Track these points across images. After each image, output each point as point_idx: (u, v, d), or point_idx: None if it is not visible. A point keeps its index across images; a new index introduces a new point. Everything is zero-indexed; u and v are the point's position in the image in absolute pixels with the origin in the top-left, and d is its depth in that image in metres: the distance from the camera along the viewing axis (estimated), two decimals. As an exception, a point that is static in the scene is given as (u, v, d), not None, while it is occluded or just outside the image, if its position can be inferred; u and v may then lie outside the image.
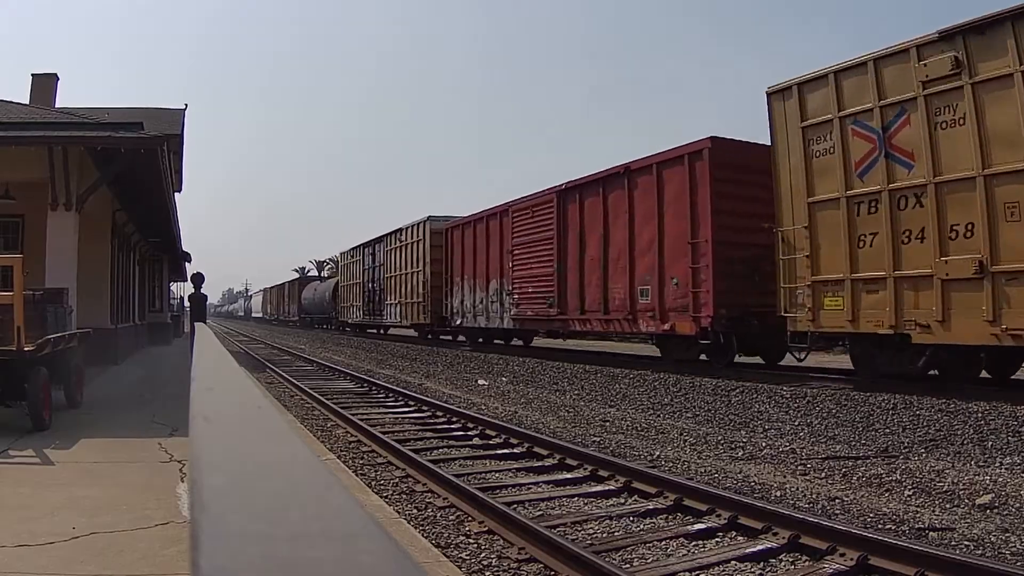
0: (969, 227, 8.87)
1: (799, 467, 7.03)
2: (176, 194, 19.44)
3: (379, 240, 31.92)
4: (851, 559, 4.25)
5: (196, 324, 6.91)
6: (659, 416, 10.23)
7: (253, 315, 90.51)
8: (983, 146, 8.69)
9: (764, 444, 8.07)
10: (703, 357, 13.53)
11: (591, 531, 5.13)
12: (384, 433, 8.68)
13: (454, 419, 10.03)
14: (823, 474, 6.73)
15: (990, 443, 7.24)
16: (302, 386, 13.91)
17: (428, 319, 25.82)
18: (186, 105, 24.05)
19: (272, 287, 76.05)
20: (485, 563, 4.51)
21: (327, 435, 9.12)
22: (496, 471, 7.11)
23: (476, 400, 12.43)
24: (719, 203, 12.71)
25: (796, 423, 8.96)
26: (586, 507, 5.79)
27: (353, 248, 37.34)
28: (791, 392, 10.38)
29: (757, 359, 13.99)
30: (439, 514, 5.62)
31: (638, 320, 14.61)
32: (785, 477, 6.69)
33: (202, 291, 13.03)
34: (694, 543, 4.84)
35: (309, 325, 51.29)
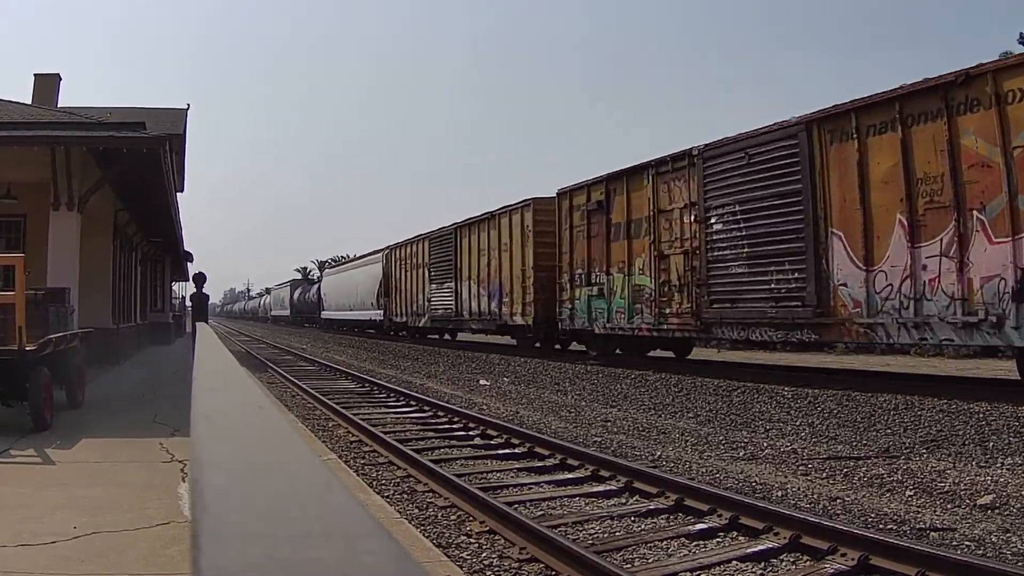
0: None
1: (800, 467, 7.02)
2: (178, 194, 19.47)
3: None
4: (852, 559, 4.25)
5: (197, 324, 6.92)
6: (661, 416, 10.22)
7: (324, 314, 44.34)
8: None
9: (765, 444, 8.06)
10: None
11: (592, 531, 5.13)
12: (386, 433, 8.69)
13: (456, 419, 10.04)
14: (824, 474, 6.73)
15: (991, 443, 7.23)
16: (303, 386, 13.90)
17: None
18: (188, 105, 24.19)
19: (398, 244, 29.74)
20: (486, 563, 4.51)
21: (328, 435, 9.12)
22: (497, 471, 7.11)
23: (478, 400, 12.43)
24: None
25: (797, 423, 8.95)
26: (587, 507, 5.79)
27: None
28: (792, 392, 10.36)
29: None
30: (440, 514, 5.62)
31: None
32: (786, 477, 6.69)
33: (204, 291, 13.05)
34: (695, 543, 4.84)
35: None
